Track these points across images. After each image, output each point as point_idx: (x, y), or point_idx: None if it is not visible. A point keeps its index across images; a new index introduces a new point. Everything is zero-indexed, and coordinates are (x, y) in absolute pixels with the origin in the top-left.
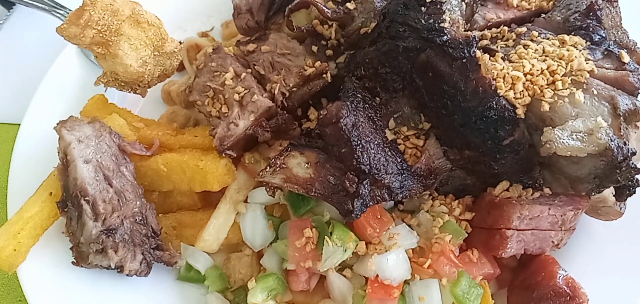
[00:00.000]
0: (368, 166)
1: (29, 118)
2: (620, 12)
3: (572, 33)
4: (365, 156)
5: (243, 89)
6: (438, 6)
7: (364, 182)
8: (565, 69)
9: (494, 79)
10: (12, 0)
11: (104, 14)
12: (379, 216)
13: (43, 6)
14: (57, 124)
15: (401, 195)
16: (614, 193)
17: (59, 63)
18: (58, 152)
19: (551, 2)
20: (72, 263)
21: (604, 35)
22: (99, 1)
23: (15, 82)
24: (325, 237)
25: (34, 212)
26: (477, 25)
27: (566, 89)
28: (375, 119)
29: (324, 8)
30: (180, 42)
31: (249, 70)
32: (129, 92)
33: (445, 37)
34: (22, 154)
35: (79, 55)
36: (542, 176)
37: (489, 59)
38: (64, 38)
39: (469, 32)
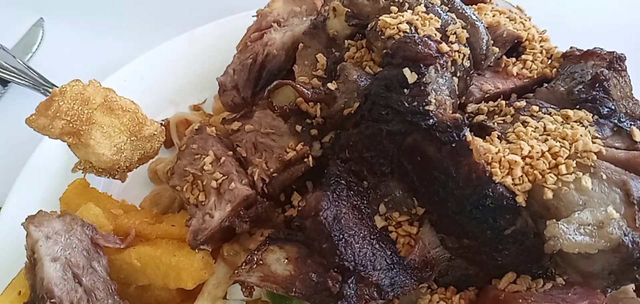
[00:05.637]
0: (353, 263)
1: (9, 205)
2: (630, 81)
3: (577, 106)
4: (348, 251)
5: (221, 175)
6: (422, 88)
7: (349, 281)
8: (570, 150)
9: (489, 164)
10: (7, 78)
11: (74, 104)
12: None
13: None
14: (26, 220)
15: (392, 293)
16: (634, 288)
17: (42, 147)
18: (26, 250)
19: (554, 70)
20: None
21: (613, 107)
22: (68, 90)
23: (7, 163)
24: None
25: None
26: (474, 98)
27: (571, 173)
28: (362, 207)
29: (304, 90)
30: (161, 124)
31: (231, 153)
32: (108, 177)
33: (430, 120)
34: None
35: None
36: (554, 262)
37: (484, 140)
38: (34, 129)
39: (457, 115)
